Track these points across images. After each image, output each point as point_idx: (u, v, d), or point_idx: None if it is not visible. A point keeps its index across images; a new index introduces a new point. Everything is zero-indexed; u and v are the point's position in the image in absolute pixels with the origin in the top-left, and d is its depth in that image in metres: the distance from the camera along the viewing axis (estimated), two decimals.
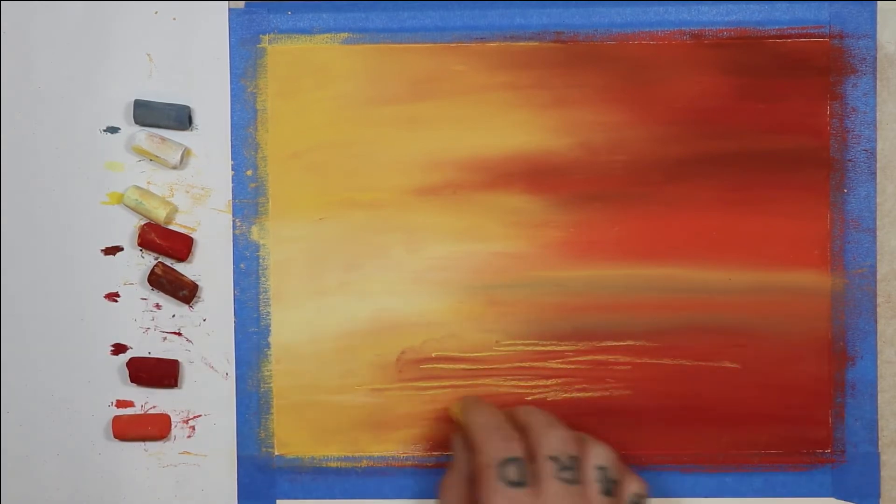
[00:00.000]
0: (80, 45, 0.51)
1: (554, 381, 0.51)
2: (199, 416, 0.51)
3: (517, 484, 0.44)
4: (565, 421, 0.47)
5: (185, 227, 0.51)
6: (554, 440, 0.45)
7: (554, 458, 0.45)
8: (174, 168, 0.51)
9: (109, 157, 0.51)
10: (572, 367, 0.51)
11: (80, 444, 0.51)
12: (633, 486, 0.46)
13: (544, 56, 0.51)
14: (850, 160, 0.50)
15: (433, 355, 0.51)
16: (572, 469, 0.45)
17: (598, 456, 0.46)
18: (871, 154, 0.50)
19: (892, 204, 0.50)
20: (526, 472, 0.44)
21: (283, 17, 0.51)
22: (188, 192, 0.51)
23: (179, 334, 0.51)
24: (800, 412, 0.50)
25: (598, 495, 0.45)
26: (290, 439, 0.51)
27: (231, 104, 0.51)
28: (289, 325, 0.51)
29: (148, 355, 0.51)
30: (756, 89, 0.50)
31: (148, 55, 0.51)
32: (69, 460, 0.51)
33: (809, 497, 0.50)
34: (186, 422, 0.51)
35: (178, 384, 0.51)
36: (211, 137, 0.51)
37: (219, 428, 0.51)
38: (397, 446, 0.51)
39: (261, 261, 0.51)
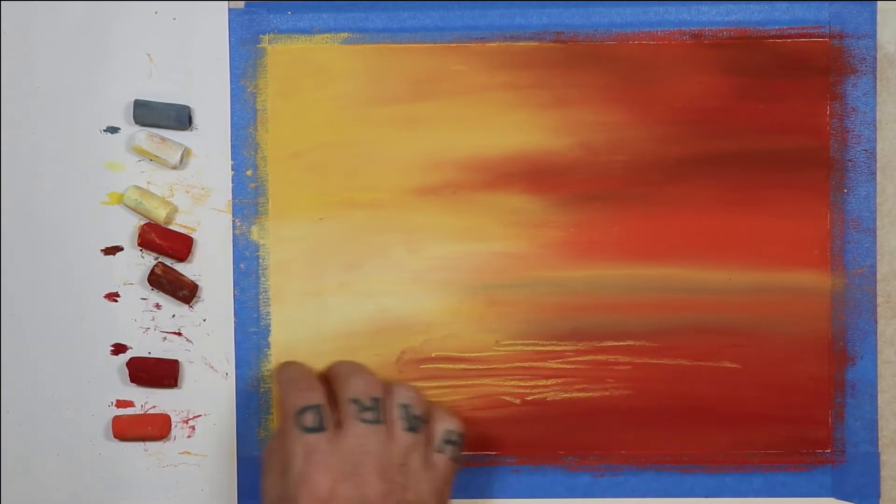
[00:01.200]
0: (80, 45, 0.51)
1: (554, 381, 0.51)
2: (199, 416, 0.51)
3: (314, 429, 0.44)
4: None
5: (185, 227, 0.51)
6: (355, 383, 0.46)
7: (355, 401, 0.45)
8: (174, 168, 0.51)
9: (109, 157, 0.51)
10: (572, 367, 0.50)
11: (80, 444, 0.51)
12: (444, 423, 0.47)
13: (544, 56, 0.50)
14: (850, 160, 0.50)
15: (433, 355, 0.51)
16: (374, 409, 0.45)
17: (401, 395, 0.46)
18: (871, 154, 0.50)
19: (892, 204, 0.50)
20: (323, 418, 0.44)
21: (283, 17, 0.51)
22: (188, 192, 0.51)
23: (179, 334, 0.51)
24: (800, 412, 0.50)
25: (402, 432, 0.45)
26: None
27: (231, 104, 0.51)
28: (289, 325, 0.51)
29: (148, 355, 0.51)
30: (756, 89, 0.50)
31: (148, 55, 0.51)
32: (69, 460, 0.51)
33: (809, 497, 0.50)
34: (186, 422, 0.51)
35: (178, 384, 0.51)
36: (211, 137, 0.51)
37: (219, 428, 0.51)
38: None
39: (261, 261, 0.51)
